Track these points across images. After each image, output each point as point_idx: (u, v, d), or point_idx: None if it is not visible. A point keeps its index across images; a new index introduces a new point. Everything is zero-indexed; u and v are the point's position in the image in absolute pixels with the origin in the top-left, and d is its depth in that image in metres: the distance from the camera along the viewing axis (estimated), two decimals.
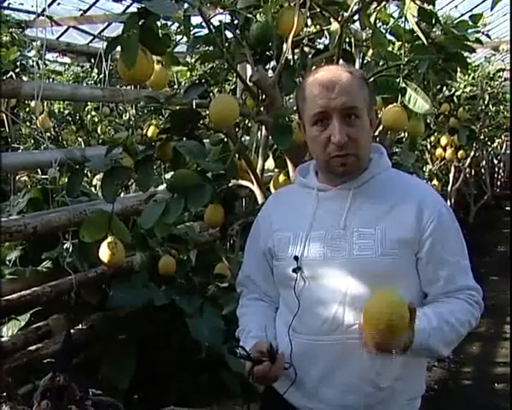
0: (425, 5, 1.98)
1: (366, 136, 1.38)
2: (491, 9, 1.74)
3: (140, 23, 1.52)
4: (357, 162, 1.37)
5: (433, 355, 1.42)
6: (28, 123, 4.86)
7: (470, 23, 2.10)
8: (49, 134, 5.07)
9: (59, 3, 6.08)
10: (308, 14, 2.04)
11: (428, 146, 6.36)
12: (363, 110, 1.36)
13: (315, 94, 1.35)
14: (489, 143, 7.73)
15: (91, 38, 6.98)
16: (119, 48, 1.54)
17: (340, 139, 1.32)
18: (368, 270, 1.34)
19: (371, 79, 1.95)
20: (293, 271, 1.40)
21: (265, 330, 1.45)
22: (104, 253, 1.99)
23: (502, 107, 6.33)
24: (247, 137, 2.57)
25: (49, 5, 5.68)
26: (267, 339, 1.41)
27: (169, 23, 2.46)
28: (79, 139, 5.60)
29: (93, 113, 5.34)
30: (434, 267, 1.38)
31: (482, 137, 6.72)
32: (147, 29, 1.54)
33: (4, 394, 1.73)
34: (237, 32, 2.01)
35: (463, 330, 1.38)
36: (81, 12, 6.41)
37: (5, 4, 5.10)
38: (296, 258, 1.39)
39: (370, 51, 2.34)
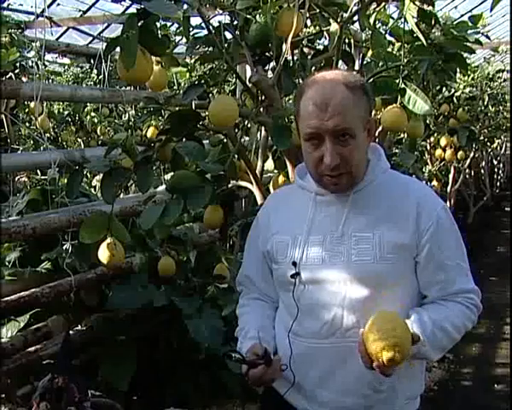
0: (424, 6, 1.98)
1: (360, 152, 1.36)
2: (491, 10, 1.74)
3: (139, 24, 1.52)
4: (349, 180, 1.36)
5: (421, 359, 1.42)
6: (28, 124, 4.86)
7: (470, 24, 2.10)
8: (48, 135, 5.07)
9: (58, 4, 6.08)
10: (307, 15, 2.03)
11: (428, 147, 6.35)
12: (358, 127, 1.33)
13: (308, 112, 1.32)
14: (488, 143, 7.72)
15: (91, 38, 6.98)
16: (118, 48, 1.54)
17: (331, 162, 1.30)
18: (366, 275, 1.34)
19: (371, 80, 1.95)
20: (292, 276, 1.39)
21: (259, 332, 1.45)
22: (103, 254, 1.99)
23: (501, 107, 6.32)
24: (247, 138, 2.57)
25: (49, 6, 5.67)
26: (260, 342, 1.41)
27: (169, 24, 2.45)
28: (79, 140, 5.60)
29: (92, 114, 5.34)
30: (433, 271, 1.38)
31: (482, 137, 6.70)
32: (146, 30, 1.53)
33: (3, 395, 1.72)
34: (237, 32, 2.01)
35: (458, 334, 1.38)
36: (80, 13, 6.41)
37: (4, 5, 5.09)
38: (294, 263, 1.39)
39: (370, 52, 2.34)
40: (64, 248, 2.48)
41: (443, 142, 5.63)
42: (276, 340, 1.47)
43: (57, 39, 6.46)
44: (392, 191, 1.41)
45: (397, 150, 3.03)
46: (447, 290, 1.38)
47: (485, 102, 5.85)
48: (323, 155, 1.31)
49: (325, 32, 2.14)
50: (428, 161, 6.47)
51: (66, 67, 6.45)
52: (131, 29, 1.47)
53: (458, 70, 2.21)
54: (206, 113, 1.90)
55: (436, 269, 1.37)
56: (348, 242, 1.35)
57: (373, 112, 1.45)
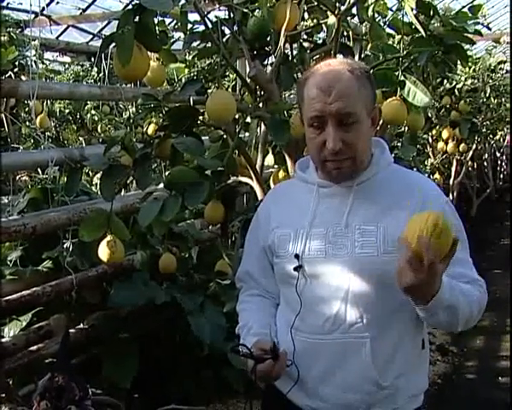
0: None
1: (364, 139, 1.35)
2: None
3: (135, 20, 1.51)
4: (352, 166, 1.35)
5: (449, 320, 1.28)
6: (28, 123, 4.86)
7: (469, 15, 2.08)
8: (49, 134, 5.07)
9: (58, 2, 6.07)
10: (305, 8, 2.02)
11: (430, 140, 6.33)
12: (362, 113, 1.32)
13: (312, 96, 1.32)
14: (491, 135, 7.69)
15: (91, 36, 6.98)
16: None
17: (334, 147, 1.29)
18: (370, 268, 1.32)
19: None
20: (295, 269, 1.38)
21: (270, 326, 1.44)
22: (103, 251, 1.98)
23: (503, 99, 6.28)
24: (247, 134, 2.56)
25: (48, 4, 5.67)
26: (271, 335, 1.40)
27: (168, 20, 2.44)
28: (80, 138, 5.60)
29: (93, 112, 5.33)
30: None
31: (484, 129, 6.68)
32: (142, 26, 1.52)
33: (4, 394, 1.72)
34: (234, 27, 2.00)
35: (473, 308, 1.33)
36: (80, 11, 6.41)
37: (4, 4, 5.08)
38: (297, 256, 1.37)
39: (370, 45, 2.32)
40: (65, 246, 2.48)
41: (445, 134, 5.62)
42: (277, 336, 1.46)
43: (57, 38, 6.47)
44: (396, 185, 1.39)
45: (398, 144, 3.01)
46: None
47: (487, 94, 5.82)
48: (326, 139, 1.30)
49: (323, 25, 2.13)
50: (430, 153, 6.46)
51: (67, 65, 6.46)
52: (127, 25, 1.45)
53: (459, 62, 2.19)
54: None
55: None
56: (352, 234, 1.34)
57: (376, 103, 1.43)
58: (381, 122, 2.10)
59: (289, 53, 2.16)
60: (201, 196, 1.67)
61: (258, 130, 2.45)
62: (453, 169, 7.01)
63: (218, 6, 2.03)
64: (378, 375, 1.33)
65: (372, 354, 1.32)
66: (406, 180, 1.42)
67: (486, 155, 9.20)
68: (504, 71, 6.11)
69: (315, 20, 2.19)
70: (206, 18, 1.84)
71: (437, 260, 1.12)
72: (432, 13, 1.98)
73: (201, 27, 1.98)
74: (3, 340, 2.36)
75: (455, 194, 7.01)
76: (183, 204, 1.67)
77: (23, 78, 4.04)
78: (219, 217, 2.09)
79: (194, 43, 2.10)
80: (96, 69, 5.68)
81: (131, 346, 2.67)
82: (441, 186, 5.93)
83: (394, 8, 2.16)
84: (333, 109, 1.29)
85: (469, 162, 7.64)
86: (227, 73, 3.79)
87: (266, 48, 2.09)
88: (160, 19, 2.02)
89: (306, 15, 2.19)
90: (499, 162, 11.13)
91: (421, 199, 1.35)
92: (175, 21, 2.16)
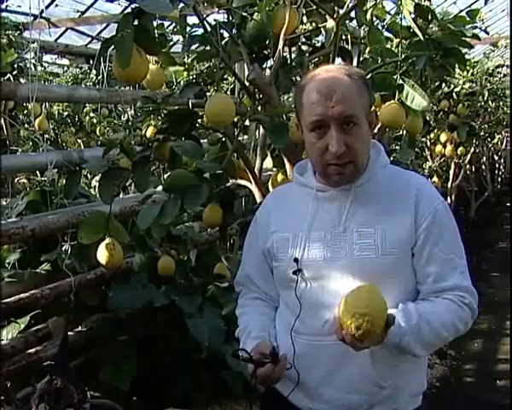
0: (421, 1, 1.97)
1: (364, 142, 1.36)
2: (485, 3, 1.73)
3: (134, 23, 1.51)
4: (354, 169, 1.35)
5: (409, 353, 1.36)
6: (27, 125, 4.86)
7: (467, 19, 2.09)
8: (48, 136, 5.07)
9: (57, 5, 6.08)
10: (304, 12, 2.03)
11: (428, 143, 6.34)
12: (362, 116, 1.33)
13: (312, 101, 1.32)
14: (489, 139, 7.70)
15: (90, 39, 6.98)
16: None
17: (338, 150, 1.30)
18: (368, 270, 1.33)
19: (368, 76, 1.94)
20: (294, 273, 1.39)
21: (268, 331, 1.45)
22: (102, 254, 1.99)
23: (501, 103, 6.29)
24: (246, 137, 2.57)
25: (47, 7, 5.67)
26: (270, 339, 1.41)
27: (167, 23, 2.45)
28: (79, 141, 5.60)
29: (92, 114, 5.33)
30: (425, 262, 1.36)
31: (482, 133, 6.69)
32: (141, 29, 1.52)
33: (2, 397, 1.72)
34: (233, 31, 2.00)
35: (446, 332, 1.35)
36: (79, 13, 6.42)
37: (3, 6, 5.08)
38: (296, 260, 1.38)
39: (368, 49, 2.33)
40: (63, 249, 2.48)
41: (443, 138, 5.62)
42: (277, 339, 1.46)
43: (56, 40, 6.47)
44: (393, 186, 1.40)
45: (396, 147, 3.02)
46: (439, 285, 1.35)
47: (485, 98, 5.83)
48: (329, 143, 1.31)
49: (322, 29, 2.13)
50: (429, 157, 6.47)
51: (66, 67, 6.46)
52: (126, 28, 1.46)
53: (457, 65, 2.20)
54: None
55: (428, 261, 1.35)
56: (350, 237, 1.35)
57: (372, 107, 1.44)
58: (379, 125, 2.11)
59: (288, 56, 2.17)
60: (200, 199, 1.67)
61: (257, 133, 2.46)
62: (451, 172, 7.01)
63: (217, 9, 2.03)
64: (378, 375, 1.35)
65: (372, 354, 1.33)
66: (403, 181, 1.42)
67: (484, 159, 9.21)
68: (502, 74, 6.12)
69: (314, 24, 2.20)
70: (205, 21, 1.85)
71: (364, 344, 1.25)
72: (430, 17, 1.99)
73: (200, 30, 1.99)
74: (2, 343, 2.36)
75: (453, 197, 7.01)
76: (182, 207, 1.67)
77: (22, 80, 4.04)
78: (218, 220, 2.09)
79: (193, 47, 2.10)
80: (94, 72, 5.68)
81: (130, 348, 2.67)
82: (439, 189, 5.94)
83: (393, 12, 2.17)
84: (335, 113, 1.30)
85: (467, 165, 7.65)
86: (226, 76, 3.80)
87: (265, 51, 2.10)
88: (159, 22, 2.03)
89: (305, 19, 2.19)
90: (497, 165, 11.15)
91: (414, 199, 1.36)
92: (174, 24, 2.17)
